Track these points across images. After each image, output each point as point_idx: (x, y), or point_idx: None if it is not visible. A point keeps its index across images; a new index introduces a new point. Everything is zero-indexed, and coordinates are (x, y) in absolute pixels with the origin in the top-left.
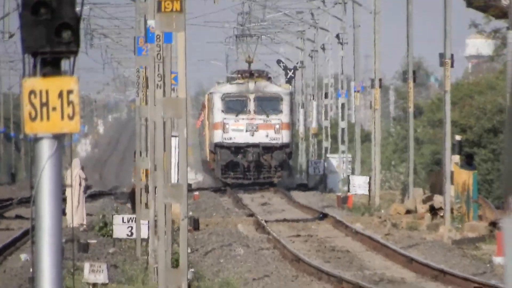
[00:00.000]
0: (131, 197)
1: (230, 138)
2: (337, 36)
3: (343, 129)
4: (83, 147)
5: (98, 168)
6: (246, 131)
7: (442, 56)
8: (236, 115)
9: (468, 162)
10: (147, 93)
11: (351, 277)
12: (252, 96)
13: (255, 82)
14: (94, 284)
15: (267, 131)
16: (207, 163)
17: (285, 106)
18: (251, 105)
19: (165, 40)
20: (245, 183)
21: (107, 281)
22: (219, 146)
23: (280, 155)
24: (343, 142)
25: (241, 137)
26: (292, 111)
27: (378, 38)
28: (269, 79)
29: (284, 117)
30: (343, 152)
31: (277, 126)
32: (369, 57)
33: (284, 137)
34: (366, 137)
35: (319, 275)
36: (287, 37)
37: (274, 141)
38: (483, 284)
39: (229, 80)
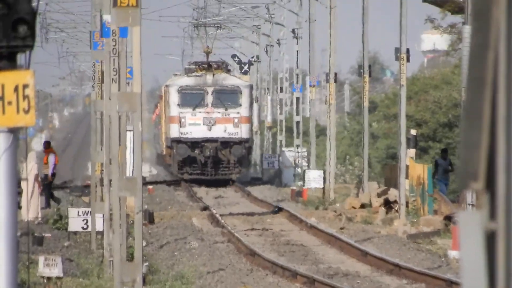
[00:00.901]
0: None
1: (187, 133)
2: (293, 31)
3: (297, 122)
4: (39, 141)
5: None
6: (204, 125)
7: (397, 50)
8: (193, 109)
9: (443, 157)
10: (102, 87)
11: (306, 271)
12: (210, 89)
13: (213, 74)
14: (49, 278)
15: (226, 125)
16: (163, 157)
17: (244, 99)
18: (209, 98)
19: (121, 34)
20: (203, 179)
21: (61, 275)
22: (175, 141)
23: (239, 150)
24: (298, 135)
25: (198, 132)
26: (251, 104)
27: (334, 33)
28: (228, 71)
29: (244, 110)
30: (297, 146)
31: (236, 120)
32: (325, 51)
33: (243, 131)
34: (321, 132)
35: (274, 268)
36: (243, 31)
37: (232, 136)
38: (438, 278)
39: (187, 72)
